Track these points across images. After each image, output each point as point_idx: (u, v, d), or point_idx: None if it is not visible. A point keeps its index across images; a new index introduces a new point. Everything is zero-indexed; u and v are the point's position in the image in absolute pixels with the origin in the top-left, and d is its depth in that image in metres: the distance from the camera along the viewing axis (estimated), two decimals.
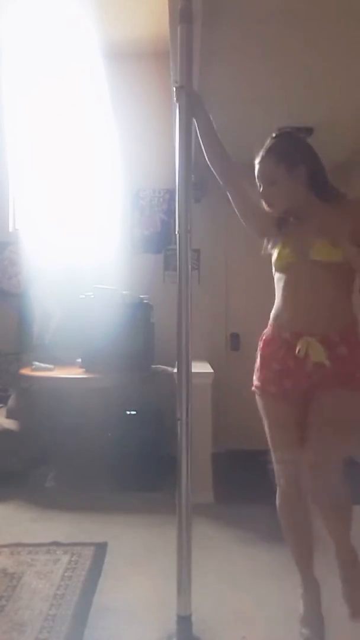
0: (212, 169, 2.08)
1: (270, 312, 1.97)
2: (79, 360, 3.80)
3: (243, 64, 2.80)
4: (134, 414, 3.65)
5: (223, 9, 2.26)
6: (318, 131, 3.71)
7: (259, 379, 1.96)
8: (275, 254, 1.97)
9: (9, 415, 3.78)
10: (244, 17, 2.34)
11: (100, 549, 2.64)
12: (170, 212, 4.40)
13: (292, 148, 1.93)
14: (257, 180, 1.96)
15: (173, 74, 2.52)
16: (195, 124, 2.02)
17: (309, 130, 3.71)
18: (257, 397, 1.97)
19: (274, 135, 1.95)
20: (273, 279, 1.99)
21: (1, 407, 3.93)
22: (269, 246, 2.02)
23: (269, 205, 1.94)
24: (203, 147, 2.06)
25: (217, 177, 2.09)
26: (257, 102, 3.22)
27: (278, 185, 1.90)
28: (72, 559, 2.54)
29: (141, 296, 3.82)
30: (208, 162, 2.07)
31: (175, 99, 1.96)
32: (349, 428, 1.86)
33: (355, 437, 1.90)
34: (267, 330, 1.98)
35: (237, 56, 2.72)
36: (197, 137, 2.05)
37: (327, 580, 1.95)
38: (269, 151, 1.91)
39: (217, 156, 2.05)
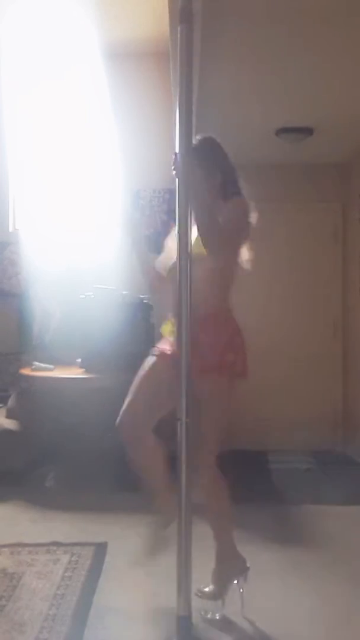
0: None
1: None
2: (79, 360, 3.80)
3: (243, 64, 2.80)
4: None
5: (223, 9, 2.26)
6: (318, 131, 3.71)
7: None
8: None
9: (9, 415, 3.77)
10: (244, 17, 2.34)
11: (100, 549, 2.64)
12: (170, 212, 4.40)
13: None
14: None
15: (173, 74, 2.52)
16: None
17: (309, 131, 3.72)
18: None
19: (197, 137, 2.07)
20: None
21: (1, 407, 3.93)
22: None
23: None
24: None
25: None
26: (257, 102, 3.22)
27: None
28: (72, 559, 2.54)
29: (141, 296, 3.82)
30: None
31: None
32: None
33: None
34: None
35: (237, 56, 2.72)
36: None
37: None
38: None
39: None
